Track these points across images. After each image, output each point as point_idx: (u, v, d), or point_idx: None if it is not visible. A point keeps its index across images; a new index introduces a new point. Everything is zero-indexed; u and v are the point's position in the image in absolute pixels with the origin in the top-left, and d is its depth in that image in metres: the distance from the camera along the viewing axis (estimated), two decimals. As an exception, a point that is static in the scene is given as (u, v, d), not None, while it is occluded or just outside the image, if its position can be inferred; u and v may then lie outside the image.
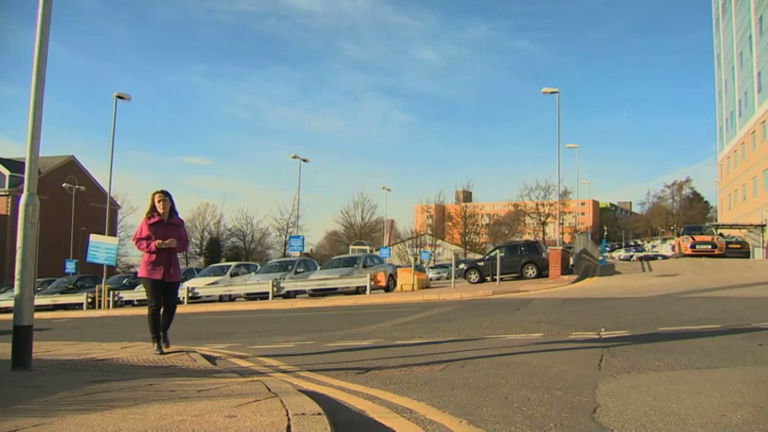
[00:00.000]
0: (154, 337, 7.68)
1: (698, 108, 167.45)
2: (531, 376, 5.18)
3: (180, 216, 7.94)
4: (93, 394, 4.24)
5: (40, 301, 30.24)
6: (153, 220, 7.51)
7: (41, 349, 8.06)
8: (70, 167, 62.16)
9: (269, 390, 4.22)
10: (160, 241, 7.36)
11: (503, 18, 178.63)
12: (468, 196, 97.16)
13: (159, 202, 7.53)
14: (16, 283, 5.99)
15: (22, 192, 6.09)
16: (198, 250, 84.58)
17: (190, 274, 31.01)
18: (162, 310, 7.65)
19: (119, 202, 68.17)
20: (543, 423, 3.62)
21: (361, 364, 6.50)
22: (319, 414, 3.36)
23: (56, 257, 47.59)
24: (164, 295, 7.56)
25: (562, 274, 24.71)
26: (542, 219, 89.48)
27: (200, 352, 7.91)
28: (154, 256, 7.42)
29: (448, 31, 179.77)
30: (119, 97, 28.74)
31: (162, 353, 7.54)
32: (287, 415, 3.37)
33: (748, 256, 39.44)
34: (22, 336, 5.92)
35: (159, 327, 7.64)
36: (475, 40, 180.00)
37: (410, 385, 5.00)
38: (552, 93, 33.43)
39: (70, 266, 42.70)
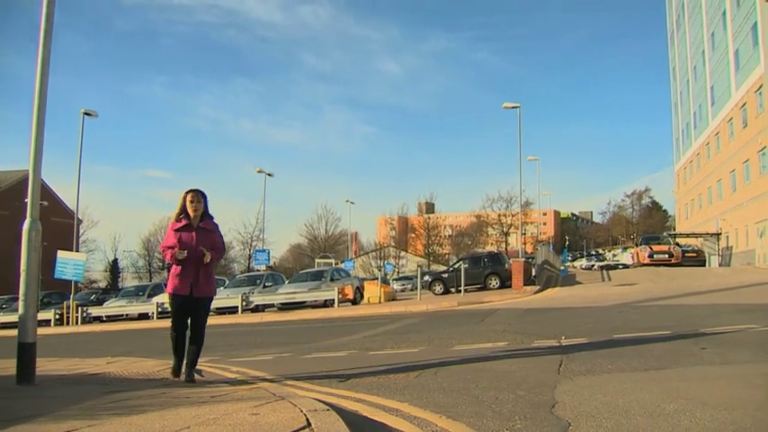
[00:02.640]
0: (176, 361, 6.72)
1: (656, 118, 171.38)
2: (498, 380, 5.76)
3: (214, 221, 6.89)
4: (119, 401, 4.69)
5: (6, 318, 30.01)
6: (179, 225, 6.60)
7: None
8: (31, 182, 61.44)
9: (274, 394, 4.76)
10: (178, 250, 6.41)
11: (463, 30, 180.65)
12: (430, 208, 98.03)
13: (191, 203, 6.60)
14: (21, 303, 6.39)
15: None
16: (161, 264, 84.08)
17: (158, 289, 31.18)
18: (187, 332, 6.65)
19: (80, 217, 67.52)
20: (510, 416, 4.22)
21: (341, 373, 7.00)
22: (328, 410, 3.91)
23: (17, 273, 46.98)
24: (192, 314, 6.60)
25: (525, 284, 25.33)
26: (505, 229, 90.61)
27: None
28: (179, 267, 6.49)
29: (409, 43, 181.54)
30: (86, 114, 28.75)
31: (177, 376, 6.63)
32: (302, 411, 3.89)
33: (704, 265, 40.75)
34: (26, 352, 6.31)
35: (183, 348, 6.63)
36: (436, 52, 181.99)
37: (390, 390, 5.55)
38: (513, 108, 34.35)
39: (33, 283, 42.18)
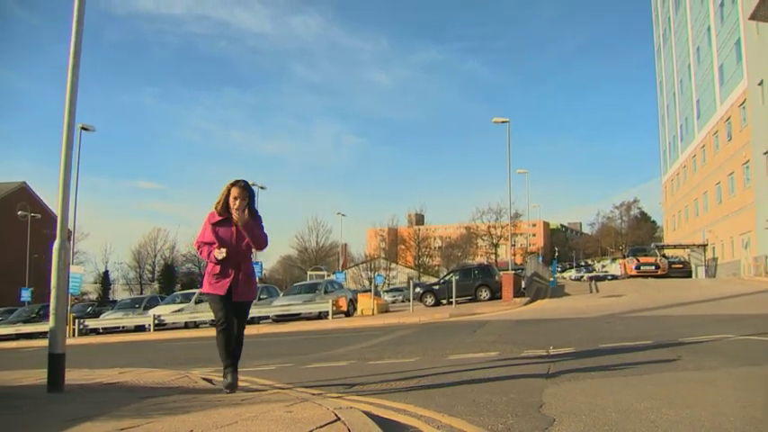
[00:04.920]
0: (226, 366, 6.14)
1: (645, 129, 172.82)
2: (492, 385, 6.31)
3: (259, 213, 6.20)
4: (159, 405, 5.14)
5: (2, 330, 30.30)
6: (216, 219, 5.99)
7: (42, 376, 7.79)
8: (22, 194, 61.20)
9: (296, 397, 5.29)
10: (217, 249, 5.87)
11: (452, 41, 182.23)
12: (420, 219, 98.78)
13: (236, 199, 5.88)
14: (51, 316, 6.89)
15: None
16: (151, 276, 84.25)
17: (154, 301, 31.60)
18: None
19: (72, 229, 67.59)
20: (503, 414, 4.81)
21: (345, 380, 7.51)
22: (351, 407, 4.48)
23: (9, 285, 47.09)
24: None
25: (515, 296, 25.91)
26: (494, 241, 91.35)
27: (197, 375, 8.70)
28: (218, 266, 5.97)
29: (399, 54, 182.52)
30: (83, 129, 29.15)
31: (234, 390, 6.05)
32: (329, 409, 4.43)
33: (690, 276, 41.53)
34: (56, 362, 6.80)
35: (232, 351, 6.16)
36: (425, 63, 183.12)
37: (394, 394, 6.08)
38: (503, 122, 35.02)
39: (26, 295, 42.42)
